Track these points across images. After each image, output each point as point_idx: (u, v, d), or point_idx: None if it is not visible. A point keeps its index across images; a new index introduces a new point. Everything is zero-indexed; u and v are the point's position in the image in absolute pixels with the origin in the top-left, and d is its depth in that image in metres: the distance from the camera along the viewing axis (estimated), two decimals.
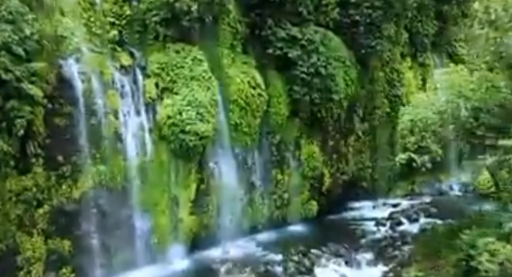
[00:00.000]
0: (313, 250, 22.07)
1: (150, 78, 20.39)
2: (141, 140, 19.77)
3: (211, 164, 21.78)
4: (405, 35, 31.21)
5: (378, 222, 26.51)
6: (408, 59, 32.26)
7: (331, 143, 27.72)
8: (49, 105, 16.87)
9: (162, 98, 20.38)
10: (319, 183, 26.89)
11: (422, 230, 25.05)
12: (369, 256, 22.00)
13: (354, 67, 26.95)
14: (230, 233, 22.48)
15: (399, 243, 23.43)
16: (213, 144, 21.53)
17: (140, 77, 20.23)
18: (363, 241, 24.07)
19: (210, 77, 20.99)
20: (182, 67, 20.44)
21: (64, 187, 17.46)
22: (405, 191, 32.73)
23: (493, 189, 31.13)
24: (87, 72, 18.10)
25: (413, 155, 20.55)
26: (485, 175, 32.01)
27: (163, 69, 20.43)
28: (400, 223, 26.26)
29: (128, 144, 19.39)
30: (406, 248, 22.64)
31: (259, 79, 23.33)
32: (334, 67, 24.60)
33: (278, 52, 23.61)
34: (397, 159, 22.17)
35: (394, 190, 32.39)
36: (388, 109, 30.23)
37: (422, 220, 26.68)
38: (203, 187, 21.59)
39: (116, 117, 19.14)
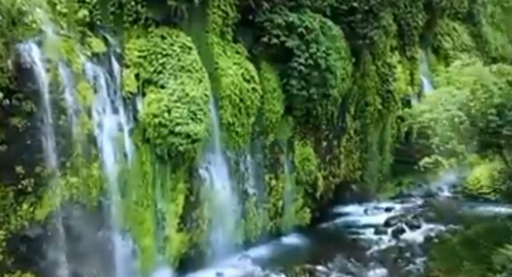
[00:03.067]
0: (319, 267, 19.10)
1: (130, 69, 16.53)
2: (120, 144, 15.89)
3: (201, 171, 18.24)
4: (394, 26, 28.76)
5: (378, 230, 23.90)
6: (396, 52, 29.92)
7: (324, 143, 24.81)
8: (5, 102, 12.76)
9: (144, 93, 16.60)
10: (313, 188, 23.92)
11: (427, 239, 22.72)
12: (381, 272, 19.24)
13: (349, 59, 24.12)
14: (223, 250, 19.04)
15: (408, 254, 20.91)
16: (204, 147, 17.97)
17: (116, 67, 16.28)
18: (368, 253, 21.33)
19: (201, 68, 17.42)
20: (169, 55, 16.73)
21: (25, 206, 13.38)
22: (393, 193, 30.53)
23: (483, 190, 29.66)
24: (52, 60, 14.06)
25: (440, 158, 17.81)
26: (474, 175, 30.50)
27: (145, 57, 16.63)
28: (401, 231, 23.73)
29: (104, 149, 15.46)
30: (418, 260, 20.14)
31: (254, 71, 19.96)
32: (334, 59, 21.61)
33: (275, 40, 20.32)
34: (421, 163, 19.36)
35: (382, 192, 30.04)
36: (380, 106, 27.68)
37: (424, 226, 24.31)
38: (193, 199, 18.00)
39: (90, 116, 15.18)
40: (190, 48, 17.24)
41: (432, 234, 23.24)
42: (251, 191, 20.57)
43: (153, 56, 16.58)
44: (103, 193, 15.20)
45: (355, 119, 27.03)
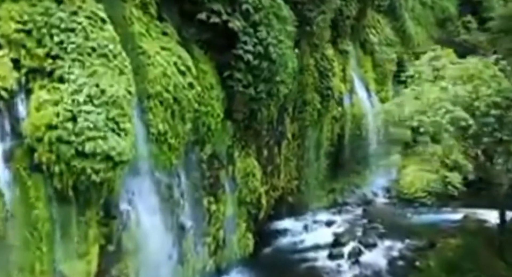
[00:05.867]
0: None
1: (2, 51, 9.81)
2: None
3: (123, 206, 11.99)
4: (330, 14, 24.53)
5: (332, 254, 19.48)
6: (330, 45, 25.79)
7: (265, 152, 19.71)
8: None
9: (30, 91, 9.96)
10: (257, 208, 18.68)
11: (391, 261, 18.90)
12: None
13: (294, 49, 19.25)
14: None
15: None
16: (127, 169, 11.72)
17: None
18: None
19: (120, 53, 11.17)
20: (71, 30, 10.26)
21: None
22: (326, 201, 26.49)
23: (418, 193, 27.08)
24: None
25: (448, 174, 13.57)
26: (406, 178, 27.84)
27: (29, 33, 9.99)
28: (358, 252, 19.57)
29: None
30: None
31: (189, 60, 14.09)
32: (286, 48, 16.54)
33: (215, 19, 14.62)
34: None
35: (316, 202, 25.81)
36: (319, 106, 23.27)
37: (379, 244, 20.44)
38: (112, 249, 11.68)
39: None
40: (103, 20, 10.90)
41: (394, 253, 19.50)
42: (188, 223, 14.71)
43: (43, 31, 10.00)
44: None
45: (293, 122, 22.33)
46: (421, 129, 14.06)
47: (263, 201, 18.93)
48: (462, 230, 20.87)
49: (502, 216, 16.39)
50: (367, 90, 28.94)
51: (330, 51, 24.24)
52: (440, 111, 12.56)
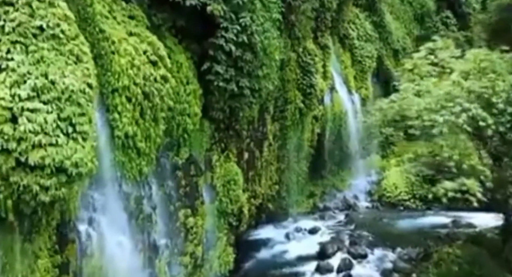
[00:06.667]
0: None
1: None
2: None
3: (82, 227, 9.58)
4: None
5: (320, 267, 17.56)
6: (310, 39, 23.89)
7: (246, 155, 17.60)
8: None
9: None
10: (238, 219, 16.56)
11: (386, 274, 17.14)
12: None
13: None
14: None
15: None
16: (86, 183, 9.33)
17: None
18: None
19: (77, 36, 8.78)
20: (10, 4, 7.82)
21: None
22: (307, 206, 24.70)
23: (401, 196, 25.67)
24: None
25: (467, 181, 11.77)
26: (389, 180, 26.37)
27: None
28: (349, 265, 17.72)
29: None
30: None
31: (162, 49, 11.76)
32: (273, 38, 14.46)
33: (192, 2, 12.35)
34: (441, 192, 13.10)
35: (296, 207, 23.90)
36: (301, 104, 21.35)
37: (370, 255, 18.67)
38: None
39: None
40: None
41: (387, 265, 17.78)
42: (161, 241, 12.39)
43: None
44: None
45: (274, 122, 20.31)
46: (412, 130, 12.47)
47: (245, 210, 16.83)
48: (455, 237, 19.46)
49: (507, 222, 14.87)
50: (348, 87, 27.28)
51: (311, 45, 22.33)
52: (454, 109, 10.79)
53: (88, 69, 8.62)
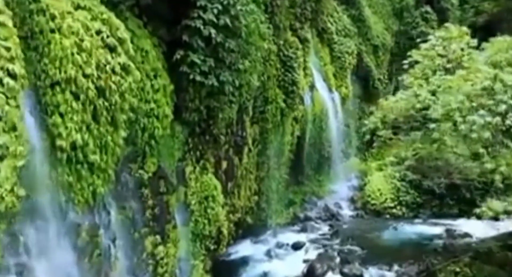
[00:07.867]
0: None
1: None
2: None
3: None
4: None
5: None
6: (289, 31, 21.36)
7: (224, 164, 14.80)
8: None
9: None
10: (217, 241, 13.73)
11: None
12: None
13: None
14: None
15: None
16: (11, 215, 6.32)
17: None
18: None
19: None
20: None
21: None
22: (286, 217, 22.18)
23: (387, 203, 23.58)
24: None
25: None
26: (372, 186, 24.20)
27: None
28: None
29: None
30: None
31: (123, 30, 8.81)
32: (261, 21, 11.75)
33: None
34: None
35: (275, 218, 21.32)
36: (282, 104, 18.77)
37: (366, 274, 16.32)
38: None
39: None
40: None
41: None
42: None
43: None
44: None
45: (253, 124, 17.63)
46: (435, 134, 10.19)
47: (225, 230, 14.03)
48: (454, 249, 17.53)
49: None
50: (328, 85, 24.96)
51: (293, 38, 19.81)
52: (498, 108, 8.50)
53: (8, 49, 5.63)
